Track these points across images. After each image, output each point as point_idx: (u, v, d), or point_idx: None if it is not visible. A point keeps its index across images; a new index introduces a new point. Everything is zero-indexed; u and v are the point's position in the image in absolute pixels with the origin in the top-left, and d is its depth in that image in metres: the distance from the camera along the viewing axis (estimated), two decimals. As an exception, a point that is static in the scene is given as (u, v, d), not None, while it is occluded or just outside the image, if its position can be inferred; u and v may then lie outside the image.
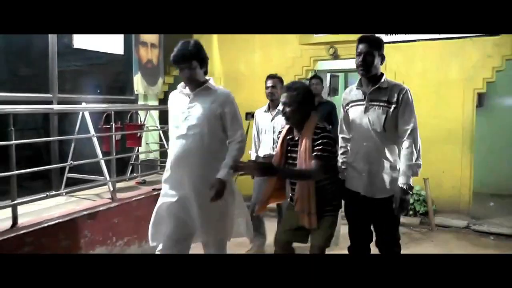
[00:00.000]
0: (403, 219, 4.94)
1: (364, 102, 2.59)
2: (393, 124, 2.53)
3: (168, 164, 2.67)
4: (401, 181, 2.44)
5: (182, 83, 2.68)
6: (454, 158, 5.11)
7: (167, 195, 2.65)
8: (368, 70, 2.53)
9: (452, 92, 5.09)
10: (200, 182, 2.57)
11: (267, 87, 3.88)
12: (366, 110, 2.59)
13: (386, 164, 2.55)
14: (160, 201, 2.68)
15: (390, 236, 2.62)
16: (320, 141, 2.49)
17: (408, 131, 2.50)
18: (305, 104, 2.57)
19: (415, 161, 2.51)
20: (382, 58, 2.59)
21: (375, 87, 2.57)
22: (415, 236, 4.58)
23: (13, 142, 2.93)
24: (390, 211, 2.49)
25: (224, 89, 2.73)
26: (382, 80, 2.57)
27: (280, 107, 2.80)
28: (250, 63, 6.24)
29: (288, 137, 2.70)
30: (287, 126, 2.73)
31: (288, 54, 5.96)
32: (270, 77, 3.93)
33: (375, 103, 2.57)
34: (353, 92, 2.69)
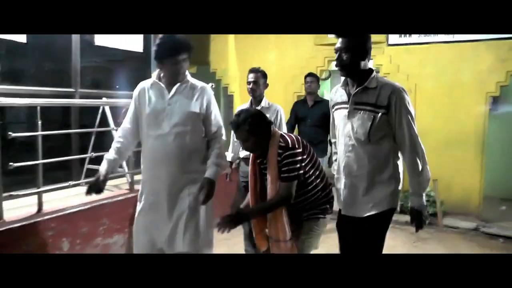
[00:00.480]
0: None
1: (348, 106, 2.23)
2: (381, 132, 2.16)
3: (145, 167, 2.53)
4: (414, 203, 2.20)
5: (155, 77, 2.51)
6: (465, 161, 5.15)
7: (144, 206, 2.53)
8: (345, 68, 2.19)
9: (465, 95, 5.13)
10: (179, 188, 2.47)
11: (248, 82, 3.54)
12: (349, 115, 2.22)
13: (370, 180, 2.22)
14: (138, 212, 2.57)
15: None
16: (283, 163, 2.30)
17: (407, 141, 2.14)
18: (256, 131, 2.34)
19: (423, 174, 2.18)
20: (365, 53, 2.18)
21: (361, 87, 2.17)
22: (423, 236, 4.65)
23: (40, 133, 3.10)
24: (372, 232, 2.24)
25: (204, 84, 2.59)
26: (370, 78, 2.16)
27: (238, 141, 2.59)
28: (265, 63, 6.31)
29: (257, 161, 2.52)
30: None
31: (303, 54, 6.06)
32: (252, 71, 3.57)
33: (360, 107, 2.17)
34: (338, 92, 2.34)
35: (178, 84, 2.43)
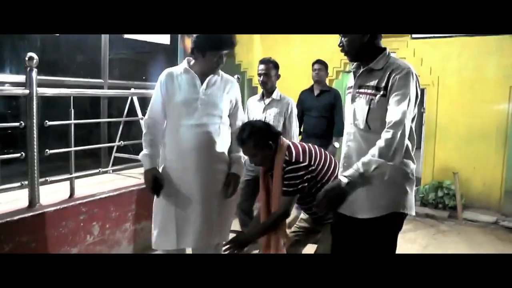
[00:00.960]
0: (432, 212, 5.07)
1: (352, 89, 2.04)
2: (382, 118, 1.87)
3: (171, 156, 2.42)
4: (345, 173, 1.87)
5: (186, 64, 2.44)
6: (486, 155, 5.14)
7: (170, 195, 2.42)
8: (346, 53, 2.00)
9: (488, 89, 5.10)
10: (211, 179, 2.42)
11: (259, 74, 3.44)
12: (352, 99, 2.01)
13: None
14: (162, 202, 2.44)
15: None
16: (285, 176, 2.27)
17: (393, 121, 1.81)
18: (263, 146, 2.31)
19: (383, 158, 1.79)
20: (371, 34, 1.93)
21: (365, 68, 1.96)
22: (442, 229, 4.68)
23: (73, 121, 3.25)
24: (369, 238, 1.93)
25: (233, 78, 2.58)
26: (377, 59, 1.92)
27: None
28: (290, 56, 6.38)
29: (269, 173, 2.49)
30: None
31: (328, 47, 6.06)
32: (262, 61, 3.44)
33: (363, 90, 1.95)
34: (351, 76, 2.11)
35: (211, 76, 2.40)
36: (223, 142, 2.45)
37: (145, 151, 2.41)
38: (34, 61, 2.89)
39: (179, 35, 5.14)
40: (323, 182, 2.29)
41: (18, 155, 2.93)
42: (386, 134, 1.81)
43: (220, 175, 2.46)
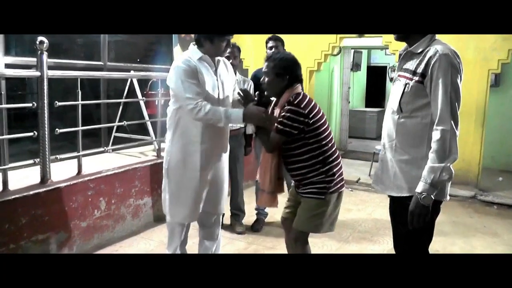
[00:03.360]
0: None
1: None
2: (414, 104, 1.91)
3: (206, 137, 2.54)
4: (417, 188, 1.85)
5: (197, 53, 2.52)
6: (466, 134, 5.42)
7: (196, 169, 2.56)
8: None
9: (467, 71, 5.28)
10: (225, 153, 2.75)
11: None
12: (393, 82, 2.07)
13: (397, 155, 1.99)
14: (189, 175, 2.58)
15: (407, 245, 2.06)
16: (282, 114, 2.31)
17: (438, 117, 1.82)
18: (278, 72, 2.36)
19: (443, 161, 1.80)
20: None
21: (406, 51, 2.00)
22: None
23: (80, 102, 3.41)
24: (400, 215, 1.97)
25: (226, 60, 2.76)
26: (419, 42, 1.92)
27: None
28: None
29: (273, 110, 2.51)
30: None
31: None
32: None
33: (402, 73, 1.98)
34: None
35: (216, 60, 2.59)
36: None
37: (225, 117, 2.39)
38: (45, 44, 3.04)
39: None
40: (307, 142, 2.33)
41: (31, 134, 3.09)
42: (435, 134, 1.83)
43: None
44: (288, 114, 2.28)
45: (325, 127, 2.39)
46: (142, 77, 4.45)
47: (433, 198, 1.84)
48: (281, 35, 3.84)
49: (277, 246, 3.59)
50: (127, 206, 3.76)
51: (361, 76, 10.30)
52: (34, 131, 3.08)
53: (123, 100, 4.51)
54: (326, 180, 2.36)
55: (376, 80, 10.57)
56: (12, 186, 3.01)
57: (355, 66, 9.25)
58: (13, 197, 2.85)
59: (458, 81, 1.88)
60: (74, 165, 3.46)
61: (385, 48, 6.77)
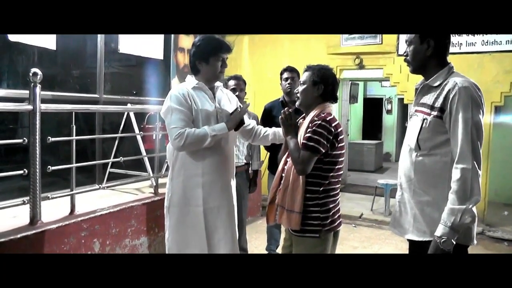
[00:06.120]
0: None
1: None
2: (434, 140, 1.81)
3: (205, 170, 2.43)
4: (437, 232, 1.72)
5: (193, 82, 2.47)
6: (471, 167, 5.32)
7: (198, 204, 2.43)
8: (411, 64, 1.96)
9: (471, 104, 5.29)
10: (231, 184, 2.57)
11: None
12: (410, 117, 1.99)
13: (416, 196, 1.87)
14: (195, 211, 2.44)
15: None
16: (310, 129, 2.12)
17: (457, 154, 1.72)
18: (315, 82, 2.23)
19: (464, 203, 1.68)
20: (436, 46, 1.86)
21: (422, 85, 1.93)
22: (431, 240, 4.82)
23: (75, 138, 3.23)
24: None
25: (226, 90, 2.72)
26: (436, 75, 1.85)
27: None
28: (278, 70, 6.48)
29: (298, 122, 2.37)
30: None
31: (315, 63, 6.22)
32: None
33: (419, 108, 1.89)
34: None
35: (215, 87, 2.53)
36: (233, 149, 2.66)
37: (211, 131, 2.33)
38: (38, 76, 2.89)
39: (172, 51, 5.18)
40: (323, 169, 2.15)
41: (21, 172, 2.89)
42: (455, 173, 1.71)
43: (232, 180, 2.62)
44: (318, 130, 2.09)
45: (342, 158, 2.23)
46: (139, 111, 4.28)
47: (454, 242, 1.71)
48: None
49: None
50: (122, 246, 3.52)
51: (358, 108, 10.29)
52: (25, 169, 2.89)
53: (119, 135, 4.33)
54: (320, 216, 2.16)
55: (373, 112, 10.55)
56: (-2, 227, 2.78)
57: (352, 98, 9.22)
58: (-2, 240, 2.62)
59: (480, 116, 1.78)
60: (66, 204, 3.25)
61: (385, 80, 6.73)
